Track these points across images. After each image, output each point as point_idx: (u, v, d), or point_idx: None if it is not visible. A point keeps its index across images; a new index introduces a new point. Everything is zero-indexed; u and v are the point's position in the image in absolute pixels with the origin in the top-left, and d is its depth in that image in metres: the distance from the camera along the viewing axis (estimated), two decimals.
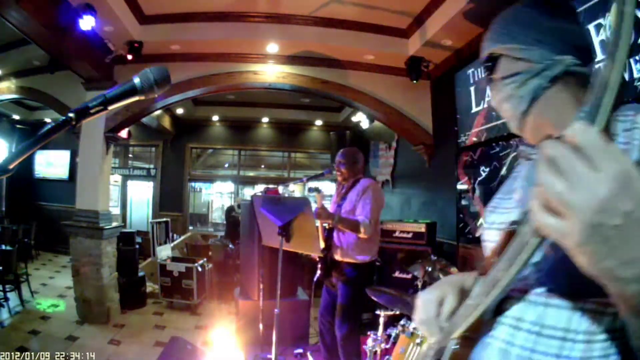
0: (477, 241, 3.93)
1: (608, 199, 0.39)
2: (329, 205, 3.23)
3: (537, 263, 0.69)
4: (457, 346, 0.72)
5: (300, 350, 3.84)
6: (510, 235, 0.67)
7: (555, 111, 0.77)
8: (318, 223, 3.14)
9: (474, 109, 3.80)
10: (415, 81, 4.46)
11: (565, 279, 0.64)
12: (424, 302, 0.83)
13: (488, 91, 0.87)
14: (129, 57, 4.21)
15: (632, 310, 0.46)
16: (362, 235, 2.87)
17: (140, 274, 5.40)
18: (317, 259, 3.17)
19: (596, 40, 2.37)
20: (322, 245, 3.01)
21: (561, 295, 0.65)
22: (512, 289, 0.69)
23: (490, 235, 0.86)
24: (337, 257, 3.00)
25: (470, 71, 3.84)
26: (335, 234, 3.03)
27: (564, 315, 0.65)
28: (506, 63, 0.81)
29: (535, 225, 0.47)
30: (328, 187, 8.66)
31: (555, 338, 0.65)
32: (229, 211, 7.91)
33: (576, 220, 0.40)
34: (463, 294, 0.81)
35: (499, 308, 0.71)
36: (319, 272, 3.12)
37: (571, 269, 0.47)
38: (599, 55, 2.35)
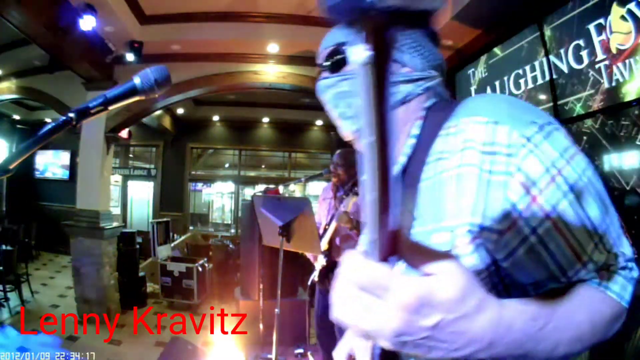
0: None
1: (402, 326, 0.37)
2: (325, 206, 3.22)
3: None
4: None
5: (300, 350, 3.84)
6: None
7: (405, 121, 0.68)
8: (323, 224, 3.15)
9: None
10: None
11: None
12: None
13: (327, 81, 0.76)
14: (130, 57, 4.20)
15: None
16: None
17: (141, 274, 5.40)
18: (315, 261, 3.16)
19: (596, 40, 2.37)
20: (326, 246, 3.01)
21: None
22: None
23: None
24: (338, 258, 3.00)
25: (471, 71, 3.84)
26: (337, 237, 3.02)
27: None
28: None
29: None
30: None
31: None
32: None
33: (382, 342, 0.39)
34: None
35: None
36: (316, 275, 3.10)
37: None
38: (599, 55, 2.36)
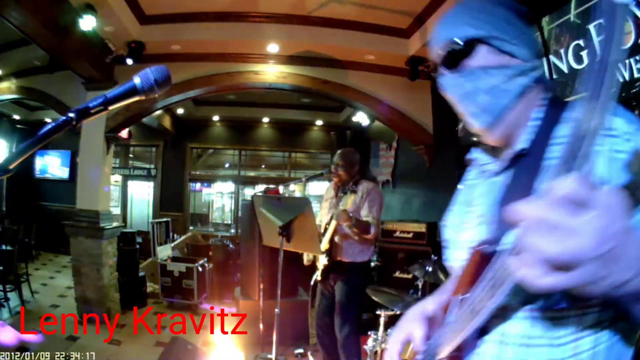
0: None
1: (604, 228, 0.42)
2: (327, 206, 3.22)
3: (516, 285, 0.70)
4: None
5: (300, 350, 3.84)
6: (479, 256, 0.69)
7: (524, 115, 0.75)
8: (323, 222, 3.15)
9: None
10: (418, 78, 4.47)
11: (545, 295, 0.65)
12: (391, 345, 0.88)
13: (444, 78, 0.79)
14: (130, 57, 4.20)
15: (633, 299, 0.49)
16: (369, 237, 2.90)
17: (141, 274, 5.40)
18: (309, 264, 3.17)
19: (596, 40, 2.37)
20: (326, 246, 3.01)
21: (543, 308, 0.66)
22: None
23: (458, 254, 0.85)
24: (337, 257, 3.00)
25: None
26: (337, 236, 3.03)
27: (548, 325, 0.66)
28: (490, 53, 0.75)
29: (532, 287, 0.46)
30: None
31: (543, 346, 0.66)
32: None
33: (586, 262, 0.42)
34: (430, 320, 0.85)
35: (482, 326, 0.71)
36: (318, 274, 3.11)
37: None
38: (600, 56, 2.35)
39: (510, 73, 0.74)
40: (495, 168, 0.80)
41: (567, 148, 0.44)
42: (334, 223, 3.02)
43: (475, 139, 0.85)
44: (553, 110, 0.73)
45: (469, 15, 0.77)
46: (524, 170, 0.71)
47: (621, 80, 2.23)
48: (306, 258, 3.32)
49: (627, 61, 2.20)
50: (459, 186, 0.93)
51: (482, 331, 0.71)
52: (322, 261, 3.06)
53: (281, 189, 3.98)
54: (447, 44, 0.77)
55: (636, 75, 2.16)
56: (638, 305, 0.51)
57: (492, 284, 0.57)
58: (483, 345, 0.71)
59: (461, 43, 0.76)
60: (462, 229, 0.85)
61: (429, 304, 0.87)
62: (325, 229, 3.08)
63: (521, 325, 0.68)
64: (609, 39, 0.42)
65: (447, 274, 2.76)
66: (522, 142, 0.73)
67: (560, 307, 0.65)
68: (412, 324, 0.86)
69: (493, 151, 0.83)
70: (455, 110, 0.81)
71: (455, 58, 0.76)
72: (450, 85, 0.79)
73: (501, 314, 0.69)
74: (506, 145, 0.78)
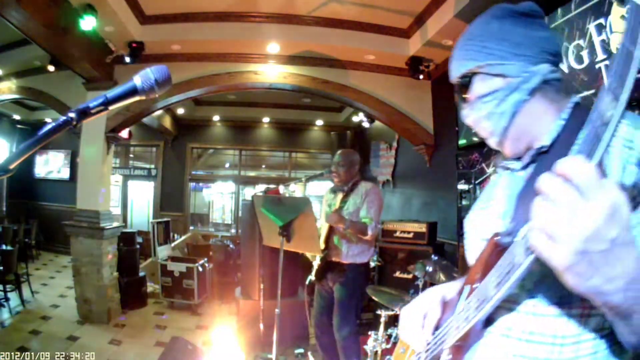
0: None
1: (596, 228, 0.43)
2: (320, 205, 3.23)
3: (524, 277, 0.71)
4: (450, 355, 0.75)
5: (301, 350, 3.84)
6: (493, 246, 0.71)
7: (534, 121, 0.78)
8: (322, 224, 3.15)
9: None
10: (417, 78, 4.47)
11: (551, 290, 0.67)
12: (409, 315, 0.90)
13: (462, 111, 0.88)
14: (129, 57, 4.20)
15: (616, 315, 0.51)
16: (367, 238, 2.90)
17: (141, 274, 5.40)
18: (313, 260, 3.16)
19: (597, 40, 2.37)
20: (322, 246, 3.01)
21: (548, 304, 0.68)
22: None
23: (472, 245, 0.88)
24: (336, 258, 3.00)
25: None
26: (335, 236, 3.02)
27: (551, 322, 0.67)
28: (482, 81, 0.80)
29: (528, 244, 0.50)
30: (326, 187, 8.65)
31: (545, 343, 0.68)
32: None
33: (565, 247, 0.44)
34: (445, 305, 0.87)
35: (488, 317, 0.73)
36: (313, 275, 3.10)
37: (557, 281, 0.50)
38: (600, 55, 2.35)
39: (500, 95, 0.78)
40: (518, 166, 0.83)
41: (585, 135, 0.46)
42: (327, 224, 3.02)
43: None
44: (578, 112, 0.75)
45: (463, 49, 0.83)
46: (544, 166, 0.73)
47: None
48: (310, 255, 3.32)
49: None
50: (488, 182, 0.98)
51: (488, 322, 0.73)
52: (317, 261, 3.07)
53: (281, 189, 3.97)
54: (454, 81, 0.86)
55: (636, 75, 2.15)
56: (622, 325, 0.52)
57: (503, 271, 0.60)
58: (487, 336, 0.73)
59: (460, 80, 0.84)
60: (482, 222, 0.88)
61: (449, 290, 0.89)
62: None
63: (525, 320, 0.70)
64: (634, 34, 0.43)
65: (447, 273, 2.76)
66: (543, 140, 0.76)
67: (564, 306, 0.66)
68: (431, 302, 0.89)
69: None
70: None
71: (463, 92, 0.84)
72: (465, 116, 0.86)
73: (507, 307, 0.71)
74: (526, 148, 0.82)
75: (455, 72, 0.85)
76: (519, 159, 0.83)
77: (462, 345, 0.74)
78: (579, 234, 0.43)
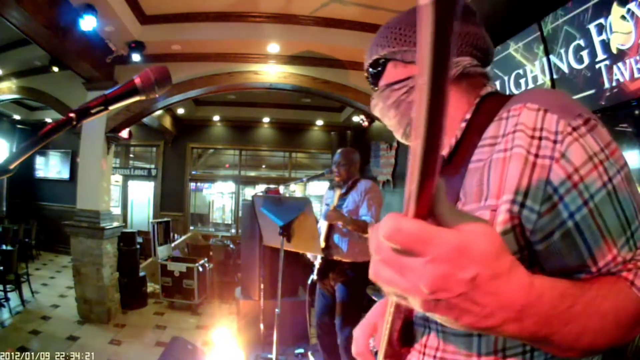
0: None
1: (439, 279, 0.36)
2: (321, 205, 3.24)
3: None
4: None
5: (301, 350, 3.84)
6: None
7: (456, 108, 0.72)
8: (321, 223, 3.15)
9: None
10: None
11: None
12: (356, 335, 0.86)
13: (371, 101, 0.83)
14: (130, 57, 4.21)
15: (531, 342, 0.45)
16: (367, 235, 2.90)
17: (141, 274, 5.40)
18: (314, 261, 3.16)
19: (597, 40, 2.37)
20: (322, 245, 3.01)
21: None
22: (416, 316, 0.70)
23: None
24: (337, 257, 3.00)
25: None
26: (336, 235, 3.02)
27: (462, 341, 0.62)
28: (394, 68, 0.76)
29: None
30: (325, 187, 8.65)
31: None
32: None
33: (414, 300, 0.38)
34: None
35: (409, 334, 0.70)
36: (315, 274, 3.11)
37: None
38: (600, 55, 2.35)
39: (411, 83, 0.73)
40: None
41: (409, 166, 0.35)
42: (326, 223, 3.02)
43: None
44: (486, 107, 0.68)
45: (380, 36, 0.79)
46: (446, 180, 0.65)
47: (621, 80, 2.23)
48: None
49: (627, 61, 2.19)
50: None
51: (411, 339, 0.70)
52: (318, 260, 3.07)
53: (282, 189, 3.97)
54: (367, 68, 0.81)
55: (636, 75, 2.15)
56: (545, 347, 0.46)
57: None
58: (412, 352, 0.70)
59: (371, 66, 0.79)
60: None
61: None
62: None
63: (437, 338, 0.66)
64: None
65: None
66: (451, 140, 0.70)
67: None
68: (378, 316, 0.85)
69: None
70: None
71: (375, 80, 0.80)
72: (372, 105, 0.81)
73: (422, 324, 0.68)
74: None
75: (368, 59, 0.80)
76: None
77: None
78: (420, 289, 0.36)
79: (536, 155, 0.54)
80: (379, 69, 0.78)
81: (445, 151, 0.69)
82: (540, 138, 0.54)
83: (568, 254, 0.54)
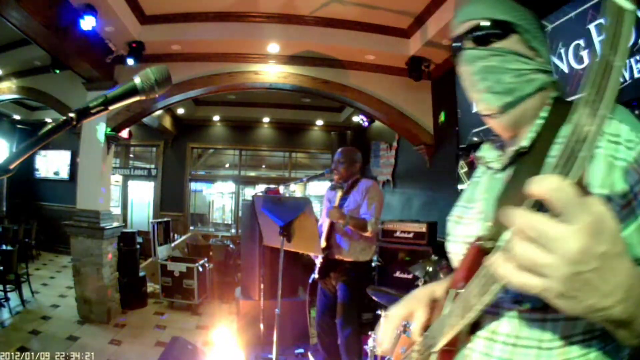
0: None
1: (582, 250, 0.41)
2: (321, 205, 3.24)
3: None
4: None
5: (301, 350, 3.84)
6: (475, 251, 0.70)
7: (534, 111, 0.76)
8: (323, 220, 3.15)
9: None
10: (417, 79, 4.48)
11: (536, 296, 0.65)
12: (389, 318, 0.87)
13: (476, 52, 0.78)
14: (130, 57, 4.21)
15: (617, 326, 0.49)
16: (368, 234, 2.90)
17: (141, 274, 5.40)
18: (315, 260, 3.16)
19: (597, 40, 2.37)
20: (323, 244, 3.01)
21: (533, 309, 0.67)
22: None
23: (456, 247, 0.86)
24: (339, 256, 3.00)
25: None
26: (337, 234, 3.02)
27: (537, 327, 0.66)
28: (518, 42, 0.76)
29: (512, 285, 0.47)
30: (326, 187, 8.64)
31: (531, 347, 0.66)
32: None
33: (554, 277, 0.42)
34: (434, 304, 0.85)
35: (475, 322, 0.72)
36: (316, 273, 3.11)
37: None
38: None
39: (535, 67, 0.75)
40: (499, 165, 0.81)
41: (561, 151, 0.44)
42: (328, 221, 3.02)
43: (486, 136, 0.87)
44: (558, 110, 0.74)
45: (504, 3, 0.78)
46: (524, 168, 0.73)
47: (621, 81, 2.23)
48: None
49: (627, 61, 2.19)
50: (466, 183, 0.95)
51: (475, 326, 0.72)
52: (319, 259, 3.07)
53: (282, 189, 3.97)
54: (480, 20, 0.77)
55: (636, 75, 2.15)
56: (622, 331, 0.50)
57: (485, 281, 0.58)
58: (475, 340, 0.72)
59: (496, 23, 0.76)
60: (463, 224, 0.86)
61: (438, 289, 0.87)
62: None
63: (511, 324, 0.69)
64: (615, 43, 0.41)
65: (447, 273, 2.76)
66: (524, 139, 0.74)
67: (550, 311, 0.64)
68: (418, 304, 0.86)
69: (499, 148, 0.85)
70: (470, 90, 0.81)
71: (486, 36, 0.76)
72: (475, 57, 0.77)
73: (493, 312, 0.70)
74: (510, 139, 0.81)
75: (488, 13, 0.77)
76: (501, 154, 0.83)
77: (450, 350, 0.73)
78: (565, 260, 0.41)
79: (614, 157, 0.63)
80: (498, 30, 0.76)
81: (526, 142, 0.74)
82: (617, 143, 0.64)
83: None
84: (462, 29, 0.80)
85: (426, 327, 0.83)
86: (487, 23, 0.76)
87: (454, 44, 0.82)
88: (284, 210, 2.67)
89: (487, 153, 0.86)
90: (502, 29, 0.76)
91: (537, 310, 0.66)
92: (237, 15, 4.24)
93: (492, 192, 0.79)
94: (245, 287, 4.41)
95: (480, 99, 0.79)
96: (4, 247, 5.05)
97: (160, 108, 6.10)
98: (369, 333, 2.72)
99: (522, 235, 0.43)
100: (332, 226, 3.04)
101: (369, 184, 3.05)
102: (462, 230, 0.86)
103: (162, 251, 5.95)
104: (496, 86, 0.75)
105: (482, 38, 0.77)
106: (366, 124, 7.17)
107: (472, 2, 0.81)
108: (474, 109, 0.86)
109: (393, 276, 4.37)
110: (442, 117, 4.79)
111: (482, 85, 0.77)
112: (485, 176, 0.86)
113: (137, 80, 0.73)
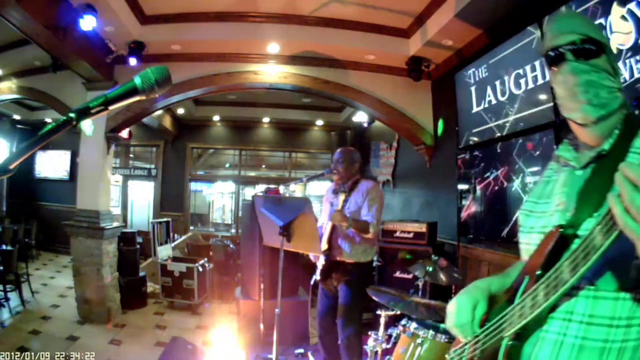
0: (477, 241, 3.87)
1: None
2: (327, 207, 3.22)
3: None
4: (511, 342, 0.82)
5: (301, 350, 3.84)
6: (557, 237, 0.81)
7: (614, 127, 0.86)
8: (324, 220, 3.15)
9: (475, 109, 3.79)
10: (417, 78, 4.48)
11: (612, 276, 0.75)
12: (459, 306, 0.95)
13: (582, 66, 0.88)
14: (130, 57, 4.21)
15: None
16: (369, 236, 2.90)
17: (141, 274, 5.40)
18: (316, 262, 3.15)
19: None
20: (325, 246, 3.01)
21: (607, 288, 0.76)
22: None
23: (530, 238, 0.94)
24: (340, 258, 3.00)
25: (471, 71, 3.83)
26: (339, 236, 3.02)
27: (610, 305, 0.75)
28: (606, 62, 0.86)
29: (608, 228, 0.60)
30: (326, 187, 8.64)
31: (604, 325, 0.75)
32: None
33: None
34: (491, 298, 0.95)
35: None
36: (318, 274, 3.10)
37: (618, 267, 0.67)
38: None
39: (619, 86, 0.87)
40: (577, 165, 0.90)
41: None
42: (330, 223, 3.02)
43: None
44: (630, 124, 0.85)
45: (593, 24, 0.92)
46: (603, 168, 0.82)
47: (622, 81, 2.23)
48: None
49: (627, 61, 2.20)
50: (539, 179, 1.04)
51: (551, 309, 0.80)
52: (321, 261, 3.06)
53: (282, 189, 3.98)
54: (582, 35, 0.87)
55: (636, 75, 2.15)
56: None
57: (577, 260, 0.67)
58: (549, 321, 0.80)
59: (594, 41, 0.86)
60: (534, 217, 0.96)
61: (494, 284, 0.97)
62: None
63: (586, 304, 0.77)
64: None
65: (447, 273, 2.76)
66: (605, 144, 0.85)
67: (622, 290, 0.75)
68: (478, 293, 0.95)
69: (575, 150, 0.95)
70: (568, 99, 0.88)
71: (588, 51, 0.86)
72: (581, 70, 0.86)
73: (569, 293, 0.77)
74: (592, 145, 0.89)
75: (591, 32, 0.87)
76: (577, 156, 0.92)
77: (523, 332, 0.81)
78: None
79: None
80: (594, 48, 0.86)
81: (607, 145, 0.84)
82: None
83: None
84: (562, 41, 0.88)
85: (483, 322, 0.92)
86: (588, 39, 0.86)
87: (552, 52, 0.90)
88: (283, 210, 2.67)
89: (565, 153, 0.95)
90: (597, 48, 0.86)
91: (609, 289, 0.75)
92: (237, 15, 4.24)
93: (572, 187, 0.88)
94: (245, 287, 4.41)
95: (579, 109, 0.86)
96: (4, 247, 5.05)
97: (160, 108, 6.10)
98: (369, 333, 2.72)
99: (631, 184, 0.55)
100: (334, 228, 3.03)
101: (369, 185, 3.04)
102: (535, 223, 0.94)
103: (162, 251, 5.95)
104: (595, 99, 0.84)
105: (584, 53, 0.86)
106: (366, 124, 7.18)
107: (568, 16, 0.93)
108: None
109: (393, 276, 4.37)
110: (440, 127, 4.81)
111: (584, 97, 0.85)
112: (562, 174, 0.95)
113: (137, 80, 0.73)
